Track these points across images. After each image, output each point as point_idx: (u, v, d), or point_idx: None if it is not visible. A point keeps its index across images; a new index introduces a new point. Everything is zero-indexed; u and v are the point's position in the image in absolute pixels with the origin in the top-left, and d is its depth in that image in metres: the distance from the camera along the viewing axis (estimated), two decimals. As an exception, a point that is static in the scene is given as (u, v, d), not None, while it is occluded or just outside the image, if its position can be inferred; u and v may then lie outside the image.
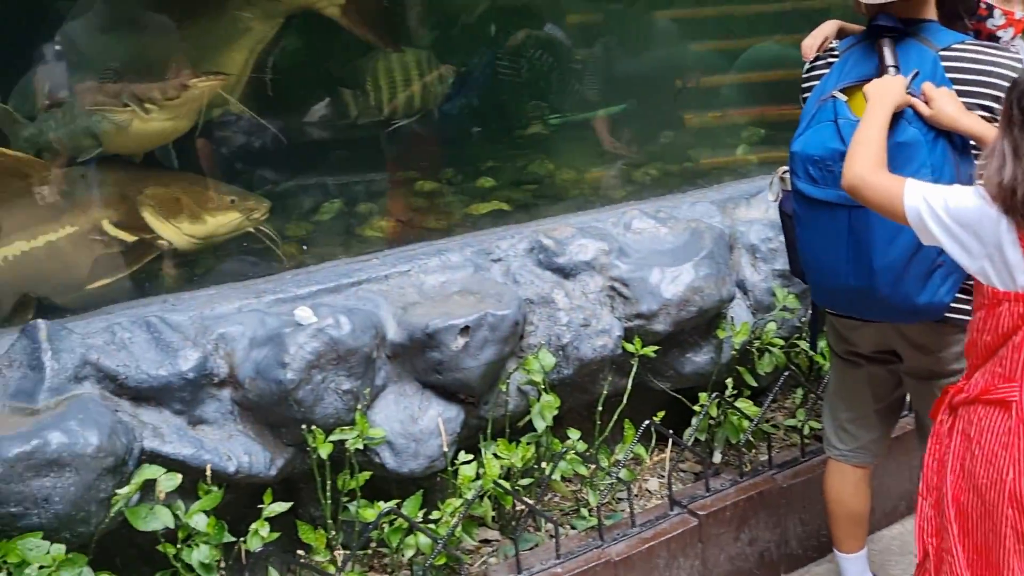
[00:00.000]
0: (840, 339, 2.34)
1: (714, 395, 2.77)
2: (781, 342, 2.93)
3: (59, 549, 1.80)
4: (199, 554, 2.00)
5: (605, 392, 2.68)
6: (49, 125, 2.74)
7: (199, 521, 2.01)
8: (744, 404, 2.82)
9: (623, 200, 3.51)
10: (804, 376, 3.05)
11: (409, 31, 4.49)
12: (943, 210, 1.71)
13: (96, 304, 2.41)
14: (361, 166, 3.98)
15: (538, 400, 2.50)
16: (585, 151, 4.36)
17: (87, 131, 2.65)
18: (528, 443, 2.51)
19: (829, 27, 2.26)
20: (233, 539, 2.09)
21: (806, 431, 2.91)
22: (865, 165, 1.84)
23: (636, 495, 2.77)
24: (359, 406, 2.25)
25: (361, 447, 2.24)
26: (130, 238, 2.61)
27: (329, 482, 2.25)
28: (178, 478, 2.02)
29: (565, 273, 2.67)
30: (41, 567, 1.76)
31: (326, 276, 2.51)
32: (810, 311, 2.64)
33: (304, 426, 2.18)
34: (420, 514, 2.33)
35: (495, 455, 2.45)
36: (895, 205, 1.77)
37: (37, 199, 2.55)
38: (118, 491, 1.91)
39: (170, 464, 2.07)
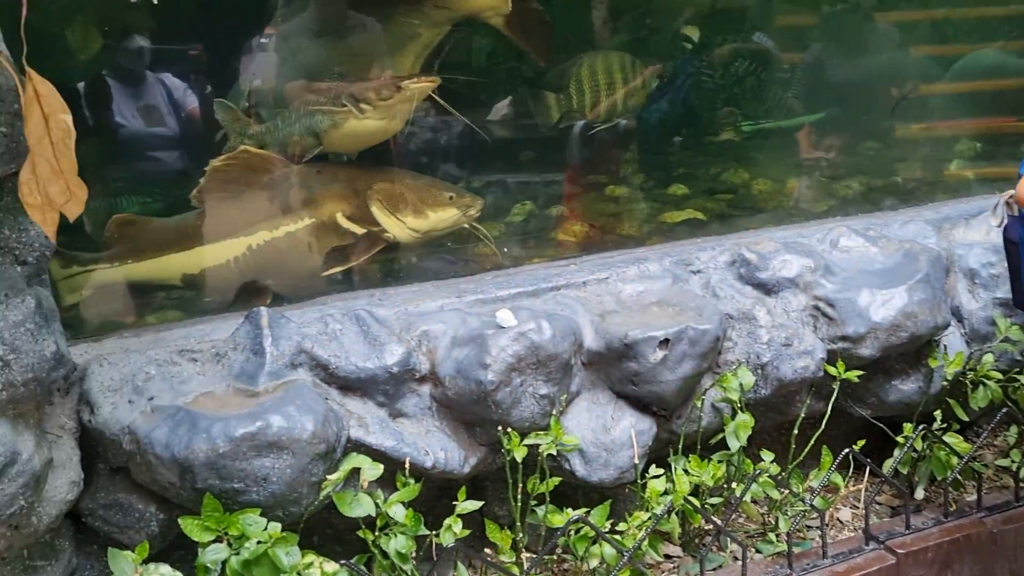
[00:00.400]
0: None
1: (920, 427, 2.60)
2: (999, 376, 2.73)
3: (275, 527, 1.90)
4: (396, 543, 2.06)
5: (802, 415, 2.58)
6: (275, 124, 2.90)
7: (397, 512, 2.08)
8: (953, 439, 2.64)
9: (824, 215, 3.37)
10: (1022, 413, 2.82)
11: (595, 34, 4.49)
12: None
13: (322, 292, 2.56)
14: (551, 168, 4.01)
15: (733, 419, 2.43)
16: (782, 161, 4.21)
17: (309, 130, 2.80)
18: (720, 461, 2.44)
19: None
20: (427, 532, 2.14)
21: (1022, 474, 2.69)
22: None
23: (828, 524, 2.64)
24: (554, 411, 2.26)
25: (554, 452, 2.25)
26: (359, 230, 2.75)
27: (520, 485, 2.27)
28: (380, 468, 2.09)
29: (767, 289, 2.59)
30: (259, 542, 1.87)
31: (525, 279, 2.54)
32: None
33: (500, 427, 2.21)
34: (606, 524, 2.32)
35: (685, 471, 2.41)
36: None
37: (278, 193, 2.73)
38: (328, 476, 2.00)
39: (372, 454, 2.15)
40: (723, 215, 3.48)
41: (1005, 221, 2.20)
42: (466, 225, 2.86)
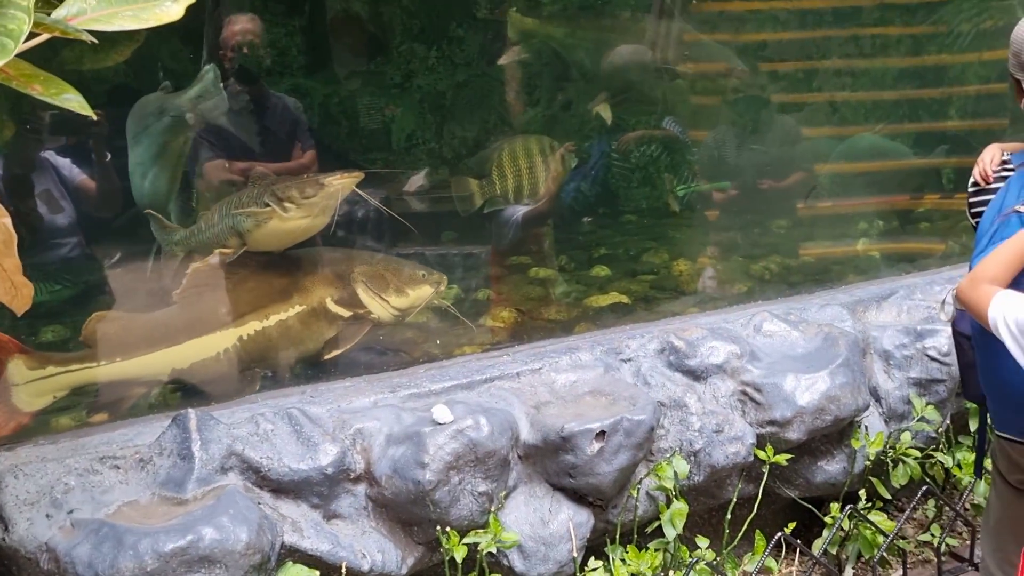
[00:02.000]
0: (1015, 468, 2.17)
1: (847, 507, 2.66)
2: (916, 453, 2.82)
3: (207, 648, 1.81)
4: (334, 655, 1.99)
5: (735, 499, 2.61)
6: (199, 227, 2.86)
7: (335, 621, 2.01)
8: (878, 517, 2.71)
9: (744, 296, 3.47)
10: (939, 488, 2.92)
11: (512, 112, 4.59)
12: (1014, 322, 1.77)
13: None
14: (472, 246, 4.04)
15: (668, 507, 2.45)
16: (698, 241, 4.34)
17: (232, 231, 2.76)
18: (656, 550, 2.45)
19: (993, 151, 2.18)
20: (366, 640, 2.07)
21: (943, 548, 2.77)
22: (973, 276, 1.90)
23: (762, 608, 2.66)
24: (492, 508, 2.24)
25: (494, 551, 2.22)
26: (346, 314, 2.76)
27: (459, 584, 2.22)
28: (316, 575, 2.02)
29: (696, 376, 2.63)
30: (190, 665, 1.77)
31: (459, 372, 2.52)
32: (977, 434, 2.53)
33: (439, 527, 2.16)
34: (547, 620, 2.28)
35: (623, 561, 2.40)
36: (983, 317, 1.84)
37: (264, 284, 2.76)
38: (263, 590, 1.92)
39: (307, 559, 2.08)
40: (647, 297, 3.55)
41: (954, 315, 2.25)
42: (436, 301, 2.90)
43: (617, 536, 2.47)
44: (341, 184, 2.71)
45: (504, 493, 2.28)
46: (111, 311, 2.71)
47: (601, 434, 2.30)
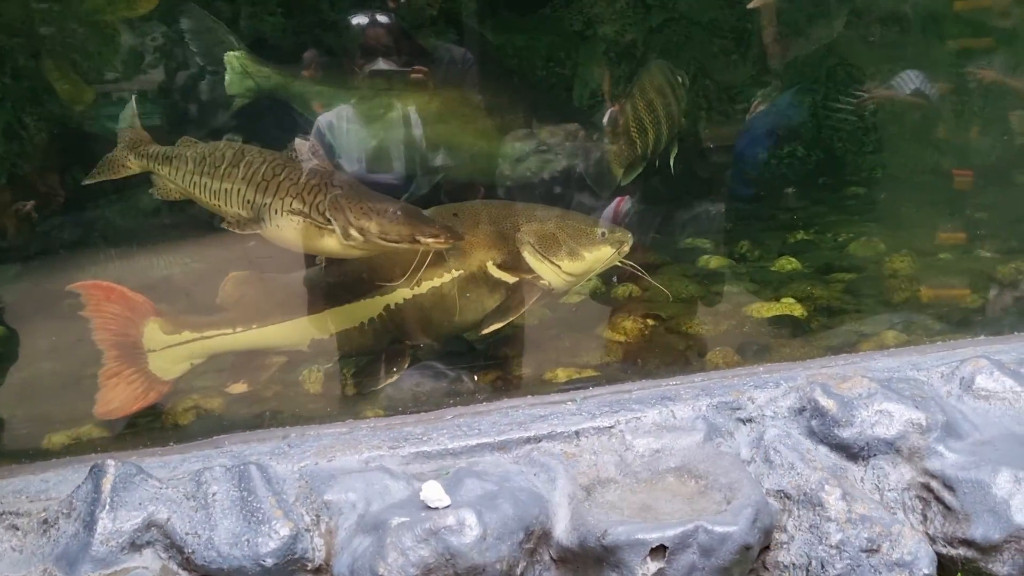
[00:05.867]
0: None
1: None
2: None
3: None
4: None
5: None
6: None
7: None
8: None
9: (980, 323, 2.44)
10: None
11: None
12: None
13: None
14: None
15: (780, 655, 1.62)
16: (936, 227, 3.25)
17: (254, 207, 2.24)
18: None
19: None
20: None
21: None
22: None
23: None
24: (488, 642, 1.55)
25: None
26: (511, 279, 2.33)
27: None
28: None
29: (851, 454, 1.76)
30: None
31: (494, 424, 1.83)
32: None
33: (404, 662, 1.51)
34: None
35: None
36: None
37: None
38: None
39: None
40: (831, 308, 2.60)
41: None
42: (618, 263, 2.34)
43: None
44: (436, 247, 2.11)
45: (507, 621, 1.57)
46: (247, 272, 2.34)
47: (660, 550, 1.52)
